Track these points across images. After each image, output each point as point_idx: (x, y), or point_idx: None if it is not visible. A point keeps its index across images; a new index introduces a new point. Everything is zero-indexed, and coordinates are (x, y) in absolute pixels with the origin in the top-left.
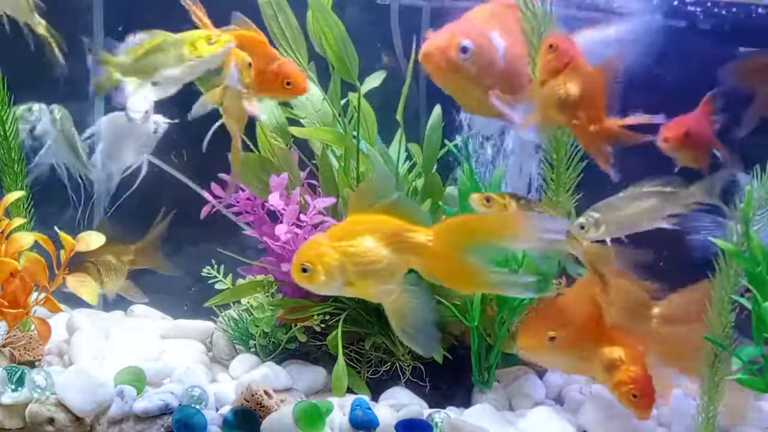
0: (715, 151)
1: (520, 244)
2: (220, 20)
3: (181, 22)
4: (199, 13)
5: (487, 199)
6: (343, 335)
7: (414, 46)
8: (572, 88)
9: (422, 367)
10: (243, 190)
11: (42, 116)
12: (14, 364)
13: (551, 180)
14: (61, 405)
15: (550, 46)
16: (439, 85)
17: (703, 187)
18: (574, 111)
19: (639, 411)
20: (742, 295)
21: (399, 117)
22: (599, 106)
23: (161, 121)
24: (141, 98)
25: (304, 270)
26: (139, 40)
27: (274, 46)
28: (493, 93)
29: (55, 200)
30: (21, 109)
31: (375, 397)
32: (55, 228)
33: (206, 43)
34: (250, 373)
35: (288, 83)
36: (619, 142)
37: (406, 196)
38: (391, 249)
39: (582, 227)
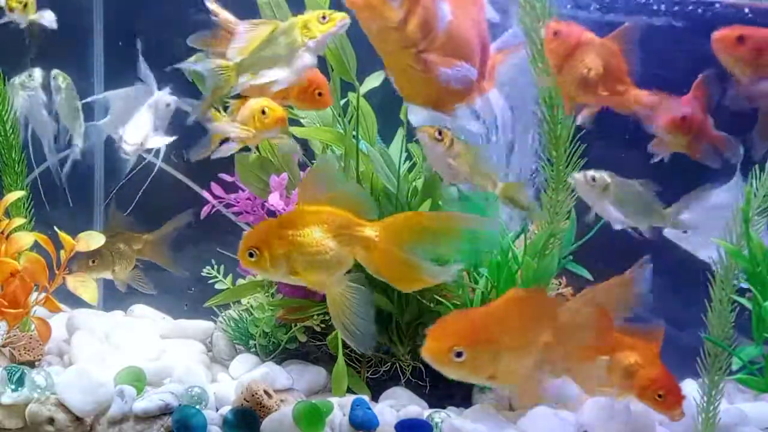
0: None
1: (463, 240)
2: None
3: (181, 20)
4: (222, 14)
5: (439, 132)
6: None
7: None
8: (590, 62)
9: (422, 367)
10: (242, 190)
11: (39, 82)
12: (14, 364)
13: (550, 178)
14: (61, 405)
15: (554, 33)
16: (368, 38)
17: (674, 212)
18: (600, 83)
19: (669, 411)
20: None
21: (403, 116)
22: (622, 71)
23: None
24: (136, 130)
25: (251, 255)
26: (247, 35)
27: None
28: (431, 60)
29: (57, 199)
30: (22, 76)
31: (375, 397)
32: (55, 228)
33: (319, 23)
34: (250, 373)
35: (320, 93)
36: (650, 105)
37: (356, 185)
38: (338, 241)
39: (593, 179)
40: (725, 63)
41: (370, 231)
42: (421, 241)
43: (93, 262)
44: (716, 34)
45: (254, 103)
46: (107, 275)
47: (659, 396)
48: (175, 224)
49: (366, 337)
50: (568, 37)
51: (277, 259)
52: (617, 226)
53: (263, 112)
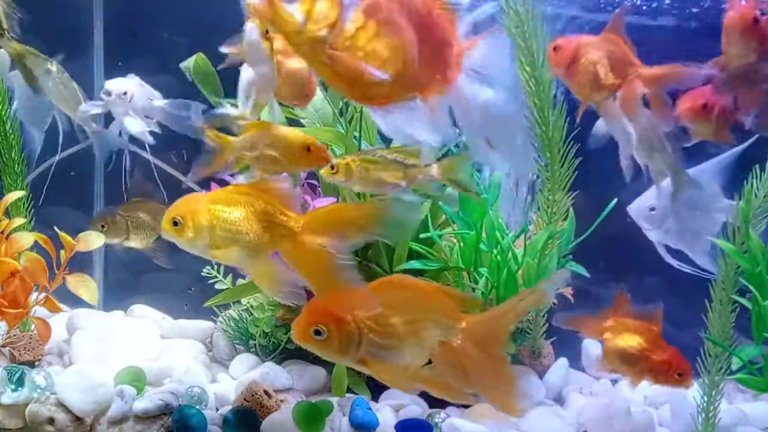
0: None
1: (382, 230)
2: (224, 19)
3: (182, 19)
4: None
5: (332, 167)
6: None
7: None
8: (593, 57)
9: None
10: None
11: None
12: (14, 364)
13: (547, 179)
14: (61, 405)
15: (554, 48)
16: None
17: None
18: (610, 75)
19: (686, 383)
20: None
21: None
22: (628, 56)
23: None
24: (122, 83)
25: (175, 223)
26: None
27: None
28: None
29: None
30: None
31: (375, 397)
32: (55, 228)
33: None
34: (250, 373)
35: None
36: (671, 82)
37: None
38: (261, 225)
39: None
40: (732, 44)
41: (293, 222)
42: (344, 233)
43: (103, 227)
44: (733, 12)
45: (293, 136)
46: (118, 243)
47: (679, 375)
48: None
49: (300, 298)
50: (567, 46)
51: (199, 230)
52: (626, 154)
53: (308, 149)
